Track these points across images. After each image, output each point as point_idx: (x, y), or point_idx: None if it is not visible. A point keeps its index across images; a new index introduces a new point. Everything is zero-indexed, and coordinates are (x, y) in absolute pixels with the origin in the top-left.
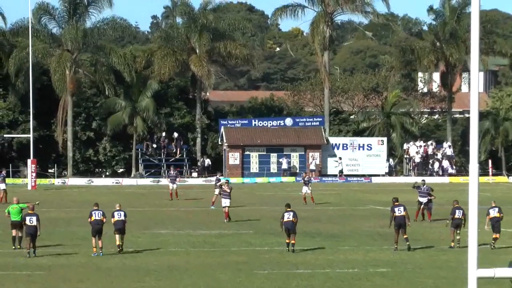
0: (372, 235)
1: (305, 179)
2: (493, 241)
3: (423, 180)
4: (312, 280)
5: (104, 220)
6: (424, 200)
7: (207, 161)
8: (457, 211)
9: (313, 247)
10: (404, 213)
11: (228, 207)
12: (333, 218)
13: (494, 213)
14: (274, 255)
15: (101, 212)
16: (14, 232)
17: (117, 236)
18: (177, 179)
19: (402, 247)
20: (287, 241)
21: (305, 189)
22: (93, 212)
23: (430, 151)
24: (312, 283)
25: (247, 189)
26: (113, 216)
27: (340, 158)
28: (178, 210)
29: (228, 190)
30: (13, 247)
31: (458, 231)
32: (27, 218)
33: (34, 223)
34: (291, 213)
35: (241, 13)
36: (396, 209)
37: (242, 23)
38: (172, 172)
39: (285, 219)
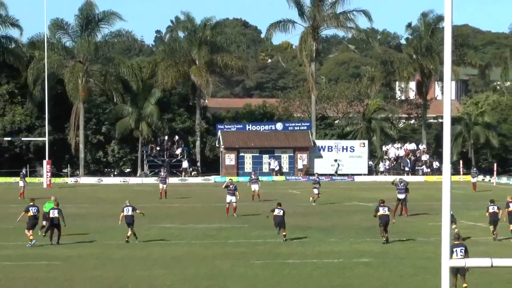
0: (356, 229)
1: (253, 178)
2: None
3: (401, 178)
4: (302, 269)
5: (38, 215)
6: (402, 196)
7: (185, 163)
8: (399, 195)
9: (303, 240)
10: (388, 213)
11: (235, 202)
12: (321, 213)
13: None
14: (268, 247)
15: (36, 208)
16: (44, 223)
17: (128, 228)
18: (167, 179)
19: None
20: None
21: (254, 187)
22: (30, 208)
23: (417, 153)
24: (301, 272)
25: (241, 187)
26: (122, 211)
27: (336, 160)
28: (182, 206)
29: (233, 188)
30: (43, 235)
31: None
32: (51, 211)
33: (56, 215)
34: (282, 210)
35: (236, 28)
36: (381, 208)
37: (237, 37)
38: (162, 173)
39: (276, 213)
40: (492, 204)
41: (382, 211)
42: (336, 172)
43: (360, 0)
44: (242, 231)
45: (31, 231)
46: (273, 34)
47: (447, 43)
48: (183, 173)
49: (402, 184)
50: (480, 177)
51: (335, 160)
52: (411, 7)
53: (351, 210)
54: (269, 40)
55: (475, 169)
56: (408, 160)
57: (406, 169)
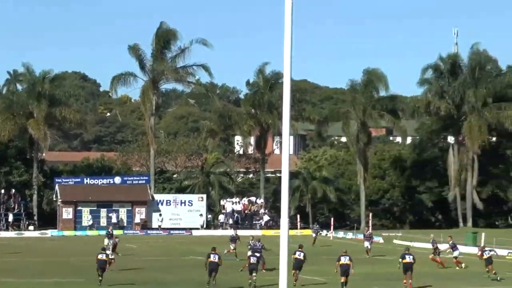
0: (192, 284)
1: (110, 231)
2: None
3: (259, 239)
4: None
5: None
6: (258, 254)
7: (11, 216)
8: (251, 258)
9: None
10: (218, 261)
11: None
12: (157, 268)
13: (345, 260)
14: None
15: None
16: None
17: None
18: None
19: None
20: (100, 278)
21: (106, 241)
22: None
23: (254, 208)
24: None
25: (78, 241)
26: None
27: (160, 215)
28: (18, 260)
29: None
30: None
31: (254, 274)
32: None
33: None
34: (104, 255)
35: (75, 81)
36: (212, 255)
37: (76, 91)
38: None
39: (99, 257)
40: (299, 250)
41: (213, 258)
42: (159, 226)
43: (200, 54)
44: (78, 285)
45: None
46: (117, 87)
47: (286, 99)
48: (8, 227)
49: (259, 243)
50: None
51: (160, 215)
52: (251, 62)
53: (188, 264)
54: (115, 93)
55: (317, 225)
56: (236, 214)
57: (230, 221)
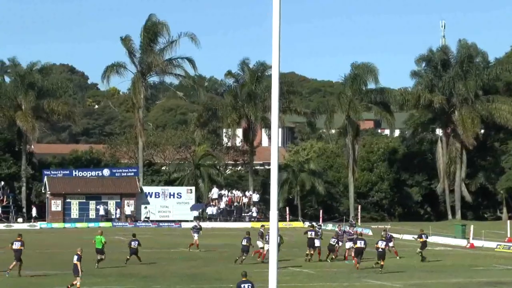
0: (180, 276)
1: (198, 226)
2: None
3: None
4: None
5: None
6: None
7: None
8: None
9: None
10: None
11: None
12: (146, 260)
13: (361, 244)
14: None
15: None
16: (99, 257)
17: None
18: None
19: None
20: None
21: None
22: None
23: (244, 200)
24: None
25: (68, 234)
26: None
27: (146, 207)
28: (5, 252)
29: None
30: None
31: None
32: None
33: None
34: (136, 242)
35: (63, 74)
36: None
37: (63, 83)
38: None
39: (132, 245)
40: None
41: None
42: (148, 217)
43: (189, 47)
44: (66, 278)
45: None
46: (111, 78)
47: (275, 92)
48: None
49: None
50: (307, 224)
51: (145, 207)
52: (240, 55)
53: (176, 256)
54: (107, 84)
55: (352, 221)
56: (215, 206)
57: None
